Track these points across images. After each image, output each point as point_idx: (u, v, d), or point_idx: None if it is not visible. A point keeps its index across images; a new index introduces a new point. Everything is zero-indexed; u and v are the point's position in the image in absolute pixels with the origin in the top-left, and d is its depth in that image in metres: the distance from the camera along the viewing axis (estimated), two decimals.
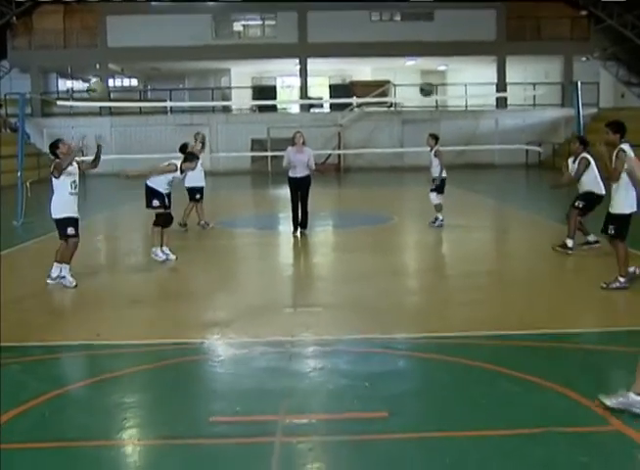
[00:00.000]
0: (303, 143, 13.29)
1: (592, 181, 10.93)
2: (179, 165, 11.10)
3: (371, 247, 12.69)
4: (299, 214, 13.47)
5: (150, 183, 11.30)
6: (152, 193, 11.27)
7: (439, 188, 14.58)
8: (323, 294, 9.08)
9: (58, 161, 9.20)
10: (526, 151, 35.56)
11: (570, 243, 10.95)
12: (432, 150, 14.59)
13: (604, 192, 10.66)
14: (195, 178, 14.38)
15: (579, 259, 10.80)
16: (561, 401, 5.25)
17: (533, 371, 5.81)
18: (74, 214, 9.42)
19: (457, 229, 14.33)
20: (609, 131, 8.60)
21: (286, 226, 14.07)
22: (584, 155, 11.07)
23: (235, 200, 22.99)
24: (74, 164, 9.41)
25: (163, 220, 11.28)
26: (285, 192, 13.32)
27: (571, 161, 11.43)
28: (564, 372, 5.90)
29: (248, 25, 39.08)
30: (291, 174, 13.39)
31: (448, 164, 14.91)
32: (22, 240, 13.50)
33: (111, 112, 37.09)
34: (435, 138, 14.70)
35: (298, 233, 13.39)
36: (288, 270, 10.99)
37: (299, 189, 13.42)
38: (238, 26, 38.90)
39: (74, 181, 9.36)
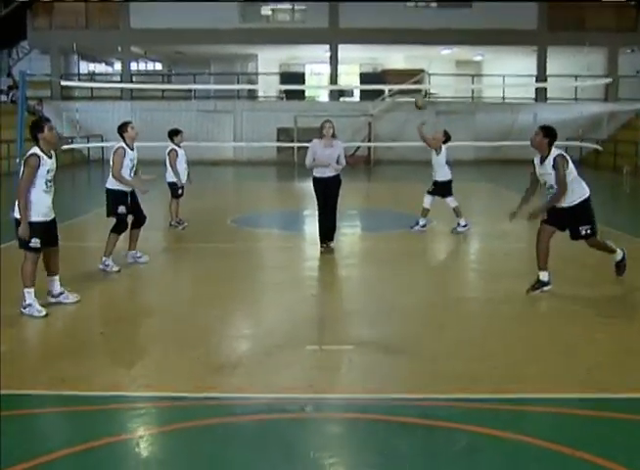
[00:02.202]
0: (333, 135, 10.88)
1: None
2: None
3: (411, 258, 10.99)
4: (327, 221, 11.10)
5: (111, 186, 9.72)
6: (113, 196, 9.69)
7: (448, 191, 12.92)
8: (355, 324, 7.32)
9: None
10: (566, 147, 33.76)
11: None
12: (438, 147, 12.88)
13: None
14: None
15: None
16: None
17: None
18: (47, 218, 7.56)
19: (506, 237, 12.63)
20: None
21: (311, 227, 12.45)
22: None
23: (257, 193, 21.31)
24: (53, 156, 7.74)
25: (125, 227, 9.79)
26: (311, 186, 11.21)
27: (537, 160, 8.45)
28: None
29: (276, 9, 37.33)
30: (316, 174, 10.96)
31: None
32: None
33: (132, 96, 35.74)
34: (447, 136, 13.07)
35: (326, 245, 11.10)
36: (312, 289, 9.09)
37: (327, 192, 10.94)
38: (266, 10, 37.14)
39: (51, 178, 7.61)
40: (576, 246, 8.88)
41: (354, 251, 11.79)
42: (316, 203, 11.15)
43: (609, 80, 23.91)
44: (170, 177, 13.07)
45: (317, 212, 11.16)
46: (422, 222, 12.98)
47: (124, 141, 9.72)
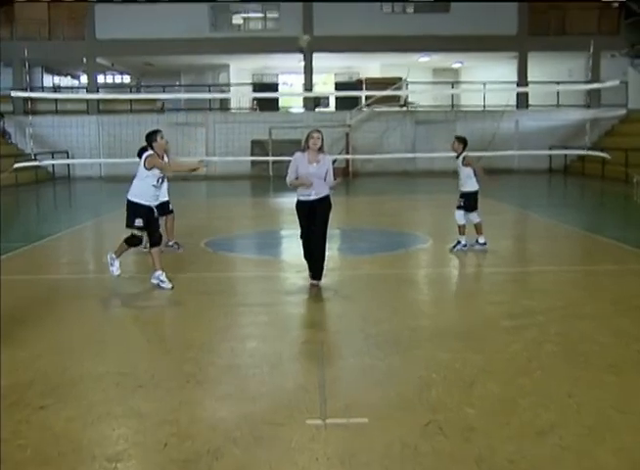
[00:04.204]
0: (321, 148, 9.11)
1: None
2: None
3: (415, 287, 9.75)
4: (313, 256, 9.23)
5: (132, 197, 9.22)
6: (133, 208, 9.20)
7: (471, 204, 11.83)
8: (363, 384, 5.75)
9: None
10: (550, 155, 32.68)
11: None
12: (458, 157, 11.81)
13: None
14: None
15: None
16: None
17: None
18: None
19: (512, 258, 11.31)
20: None
21: (291, 252, 11.02)
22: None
23: (232, 210, 19.84)
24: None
25: (137, 242, 9.39)
26: (289, 202, 9.64)
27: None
28: None
29: (248, 18, 35.97)
30: (301, 196, 9.12)
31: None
32: None
33: (99, 110, 34.19)
34: (463, 142, 11.89)
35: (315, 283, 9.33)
36: (303, 334, 7.52)
37: (314, 218, 9.05)
38: (238, 19, 35.80)
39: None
40: None
41: (346, 280, 10.08)
42: (300, 232, 9.32)
43: (616, 82, 22.49)
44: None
45: (302, 244, 9.31)
46: (463, 241, 11.93)
47: (153, 151, 9.20)
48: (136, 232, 9.18)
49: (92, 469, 4.33)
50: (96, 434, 4.87)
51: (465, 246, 11.88)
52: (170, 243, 12.19)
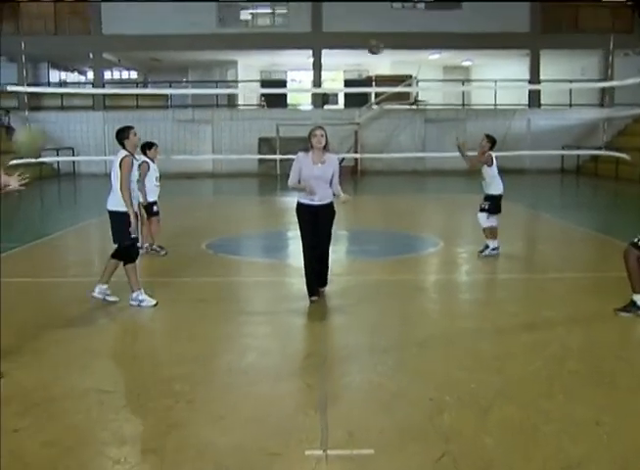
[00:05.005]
0: (326, 147, 8.26)
1: None
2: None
3: (430, 296, 9.26)
4: (316, 265, 8.39)
5: (113, 207, 8.23)
6: (123, 219, 8.11)
7: (494, 207, 11.23)
8: (371, 409, 5.20)
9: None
10: (562, 156, 32.11)
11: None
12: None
13: None
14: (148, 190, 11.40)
15: None
16: None
17: None
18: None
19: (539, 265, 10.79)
20: None
21: (296, 254, 10.44)
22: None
23: (237, 210, 19.30)
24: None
25: (136, 253, 8.43)
26: (296, 201, 8.59)
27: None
28: None
29: (256, 13, 35.42)
30: (302, 200, 8.25)
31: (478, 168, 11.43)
32: None
33: (105, 106, 33.75)
34: (492, 141, 11.16)
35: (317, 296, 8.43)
36: (306, 350, 6.93)
37: (317, 225, 8.22)
38: (245, 14, 35.25)
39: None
40: None
41: (354, 286, 9.50)
42: (302, 241, 8.45)
43: (636, 80, 21.55)
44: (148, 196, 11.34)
45: (303, 254, 8.45)
46: (492, 245, 11.32)
47: (125, 149, 8.25)
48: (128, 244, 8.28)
49: None
50: (72, 464, 4.38)
51: (494, 249, 11.32)
52: (155, 246, 11.65)
